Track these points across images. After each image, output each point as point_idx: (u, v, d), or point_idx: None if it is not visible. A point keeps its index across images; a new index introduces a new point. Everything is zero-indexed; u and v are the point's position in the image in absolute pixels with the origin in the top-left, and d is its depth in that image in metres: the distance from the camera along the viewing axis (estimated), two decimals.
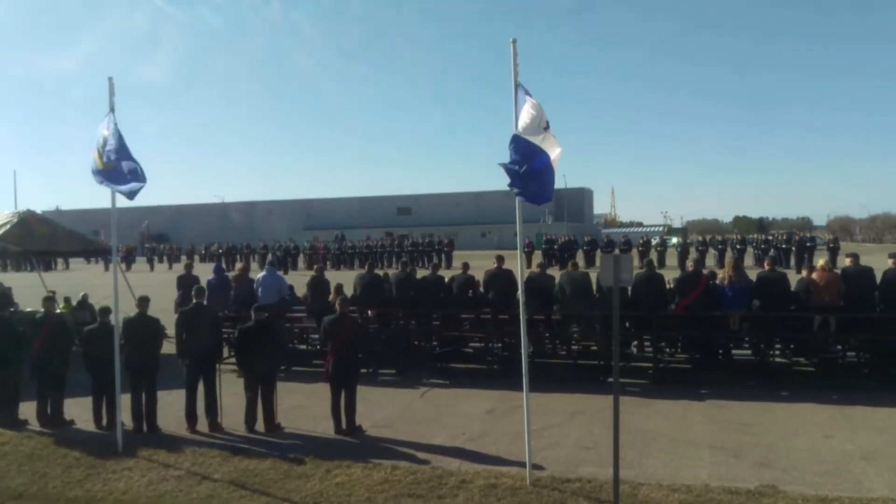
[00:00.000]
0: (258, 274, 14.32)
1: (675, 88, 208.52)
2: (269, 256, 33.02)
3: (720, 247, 39.00)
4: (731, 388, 10.70)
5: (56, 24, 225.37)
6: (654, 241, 42.04)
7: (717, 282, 11.92)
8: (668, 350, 12.60)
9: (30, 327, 10.17)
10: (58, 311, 11.42)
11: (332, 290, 12.91)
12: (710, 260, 34.77)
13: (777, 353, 12.06)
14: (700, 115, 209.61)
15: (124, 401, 9.07)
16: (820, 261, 12.50)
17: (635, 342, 12.78)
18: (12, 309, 14.08)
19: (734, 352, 12.07)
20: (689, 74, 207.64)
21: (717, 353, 11.88)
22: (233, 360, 10.83)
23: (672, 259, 36.86)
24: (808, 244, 34.36)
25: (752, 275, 12.01)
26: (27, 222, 15.32)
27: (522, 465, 7.39)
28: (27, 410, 9.96)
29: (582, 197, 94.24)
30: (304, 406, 10.48)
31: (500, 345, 12.81)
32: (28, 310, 15.03)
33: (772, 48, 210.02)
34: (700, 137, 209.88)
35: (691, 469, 7.52)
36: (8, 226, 14.58)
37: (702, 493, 6.77)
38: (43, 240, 17.23)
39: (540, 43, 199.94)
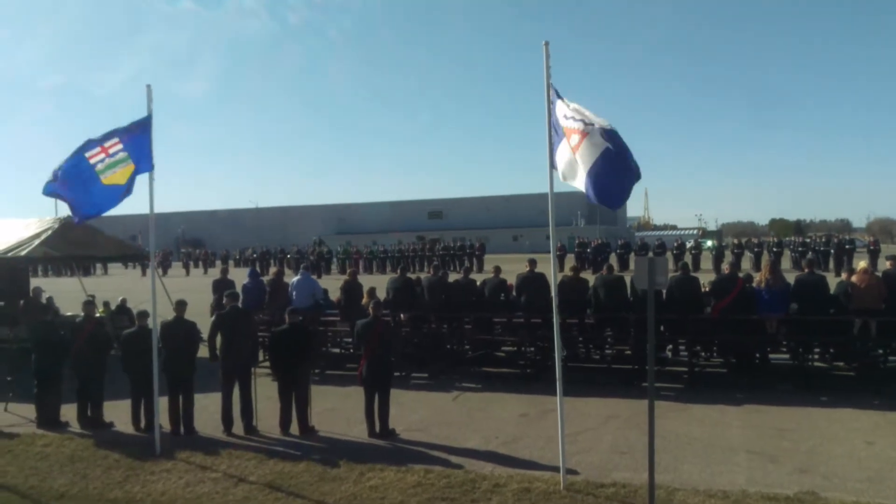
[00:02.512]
0: (293, 278, 14.47)
1: (712, 88, 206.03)
2: (304, 262, 33.31)
3: (756, 250, 38.33)
4: (768, 393, 10.53)
5: (99, 43, 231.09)
6: (688, 244, 41.47)
7: (754, 285, 11.75)
8: (703, 354, 12.44)
9: (70, 331, 10.40)
10: (97, 315, 11.65)
11: (365, 293, 12.98)
12: (746, 263, 34.20)
13: (816, 357, 11.83)
14: (736, 115, 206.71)
15: (162, 404, 9.22)
16: (861, 263, 12.25)
17: (670, 346, 12.64)
18: (53, 313, 14.37)
19: (771, 356, 11.87)
20: (725, 73, 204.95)
21: (754, 358, 11.70)
22: (268, 363, 10.93)
23: (707, 262, 36.38)
24: (847, 246, 33.62)
25: (790, 278, 11.81)
26: (67, 228, 15.63)
27: (556, 469, 7.35)
28: (68, 413, 10.19)
29: None
30: (337, 409, 10.55)
31: (532, 349, 12.75)
32: (68, 314, 15.36)
33: (813, 47, 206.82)
34: (736, 138, 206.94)
35: (728, 475, 7.41)
36: (49, 231, 14.89)
37: (739, 499, 6.67)
38: (82, 245, 17.59)
39: (571, 39, 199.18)
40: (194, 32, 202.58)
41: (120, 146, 8.48)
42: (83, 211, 8.56)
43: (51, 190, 8.41)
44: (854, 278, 11.28)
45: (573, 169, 6.96)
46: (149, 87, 8.81)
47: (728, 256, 34.50)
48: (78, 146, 8.43)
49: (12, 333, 14.76)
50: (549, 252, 7.77)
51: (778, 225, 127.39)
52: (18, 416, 10.57)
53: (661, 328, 11.72)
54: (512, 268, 15.54)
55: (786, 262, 34.07)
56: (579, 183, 6.87)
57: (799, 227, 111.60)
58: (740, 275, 12.28)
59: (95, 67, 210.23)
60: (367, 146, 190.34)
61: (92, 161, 8.37)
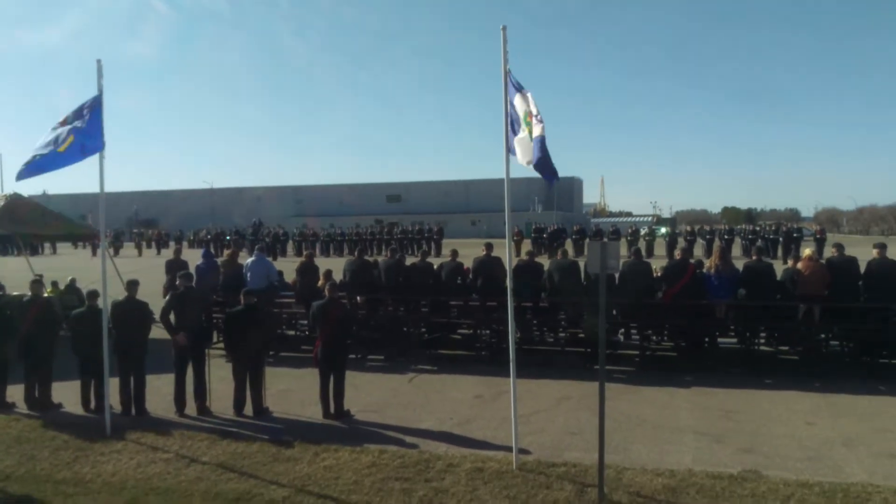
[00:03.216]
0: (247, 259, 14.32)
1: (665, 77, 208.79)
2: (259, 243, 32.95)
3: (708, 237, 39.23)
4: (716, 376, 10.82)
5: None
6: (642, 231, 42.25)
7: (704, 271, 12.02)
8: (654, 338, 12.70)
9: (17, 311, 10.14)
10: (45, 294, 11.37)
11: (321, 276, 12.92)
12: (699, 250, 34.95)
13: (762, 341, 12.19)
14: (690, 105, 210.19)
15: (112, 384, 9.08)
16: (806, 251, 12.60)
17: (622, 330, 12.88)
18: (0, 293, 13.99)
19: (720, 340, 12.18)
20: (678, 63, 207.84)
21: (703, 342, 11.99)
22: (221, 344, 10.83)
23: (661, 249, 37.05)
24: (795, 235, 34.63)
25: (740, 265, 12.12)
26: (14, 205, 15.22)
27: (509, 449, 7.46)
28: (15, 394, 9.96)
29: (571, 186, 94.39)
30: (292, 390, 10.52)
31: (488, 331, 12.87)
32: (15, 293, 14.94)
33: (762, 37, 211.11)
34: (690, 128, 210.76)
35: (675, 454, 7.62)
36: None
37: (685, 478, 6.87)
38: (30, 223, 17.13)
39: (529, 27, 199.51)
40: None
41: (76, 121, 8.32)
42: (28, 169, 8.30)
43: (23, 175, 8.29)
44: (800, 265, 11.62)
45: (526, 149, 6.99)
46: (99, 62, 8.59)
47: (681, 243, 35.15)
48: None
49: None
50: (506, 237, 7.84)
51: (730, 213, 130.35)
52: None
53: (614, 312, 11.93)
54: (469, 252, 15.62)
55: (736, 250, 34.87)
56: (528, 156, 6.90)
57: (750, 216, 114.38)
58: (692, 261, 12.53)
59: (36, 23, 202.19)
60: (326, 127, 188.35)
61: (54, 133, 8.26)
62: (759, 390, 10.15)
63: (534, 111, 6.89)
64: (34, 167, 8.25)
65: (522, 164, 7.12)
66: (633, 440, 8.11)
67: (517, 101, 7.15)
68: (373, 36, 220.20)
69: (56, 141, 8.25)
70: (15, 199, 15.28)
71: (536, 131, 6.75)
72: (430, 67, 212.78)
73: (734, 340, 12.25)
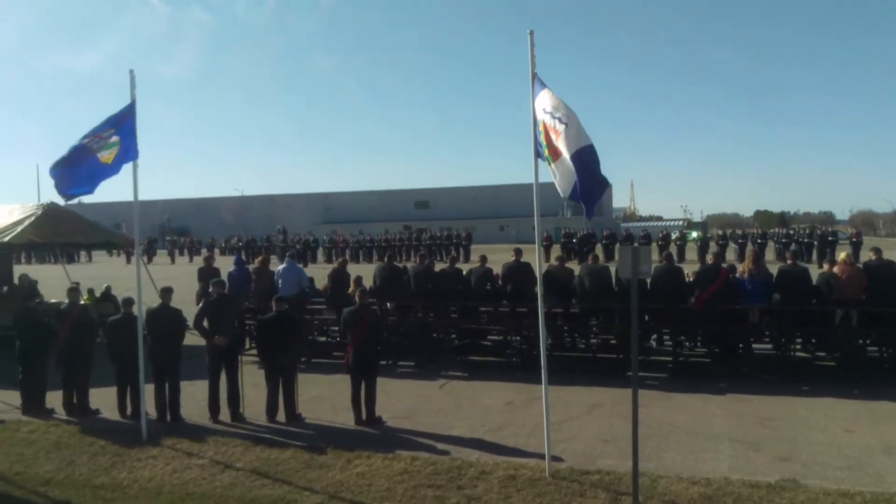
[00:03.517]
0: (278, 266, 14.45)
1: (696, 79, 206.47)
2: (290, 250, 33.31)
3: (740, 241, 38.72)
4: (751, 382, 10.66)
5: (79, 22, 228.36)
6: (673, 235, 41.81)
7: (738, 275, 11.86)
8: (687, 344, 12.56)
9: (55, 318, 10.35)
10: (82, 302, 11.59)
11: (351, 282, 12.99)
12: (731, 254, 34.50)
13: (798, 347, 11.98)
14: (721, 107, 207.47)
15: (148, 391, 9.21)
16: (841, 254, 12.38)
17: (654, 336, 12.75)
18: (38, 300, 14.29)
19: (754, 346, 12.00)
20: (710, 64, 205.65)
21: (737, 347, 11.83)
22: (254, 351, 10.93)
23: (692, 253, 36.63)
24: (829, 238, 34.04)
25: (774, 269, 11.93)
26: (51, 215, 15.51)
27: (541, 456, 7.43)
28: (54, 400, 10.15)
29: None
30: (324, 397, 10.58)
31: (518, 338, 12.82)
32: (53, 301, 15.27)
33: (795, 37, 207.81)
34: (720, 130, 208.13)
35: (711, 462, 7.52)
36: (32, 218, 14.77)
37: (721, 487, 6.77)
38: (66, 232, 17.48)
39: (557, 30, 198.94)
40: (175, 13, 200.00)
41: (112, 131, 8.51)
42: (71, 190, 8.53)
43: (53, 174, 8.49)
44: (836, 269, 11.40)
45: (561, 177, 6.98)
46: (132, 72, 8.78)
47: (713, 247, 34.76)
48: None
49: None
50: (535, 242, 7.81)
51: (762, 217, 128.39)
52: (3, 402, 10.51)
53: (646, 318, 11.82)
54: (498, 257, 15.59)
55: (770, 254, 34.35)
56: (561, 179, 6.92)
57: (783, 219, 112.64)
58: (724, 265, 12.37)
59: (75, 47, 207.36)
60: (353, 135, 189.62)
61: (86, 144, 8.41)
62: (795, 397, 9.98)
63: (553, 111, 6.88)
64: (83, 181, 8.45)
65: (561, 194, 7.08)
66: (668, 448, 8.01)
67: (542, 98, 7.13)
68: (401, 43, 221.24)
69: (91, 150, 8.43)
70: (52, 209, 15.57)
71: (562, 147, 6.74)
72: (455, 72, 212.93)
73: (769, 346, 12.05)
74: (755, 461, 7.53)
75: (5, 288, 15.48)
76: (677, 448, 8.00)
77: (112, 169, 8.54)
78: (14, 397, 10.34)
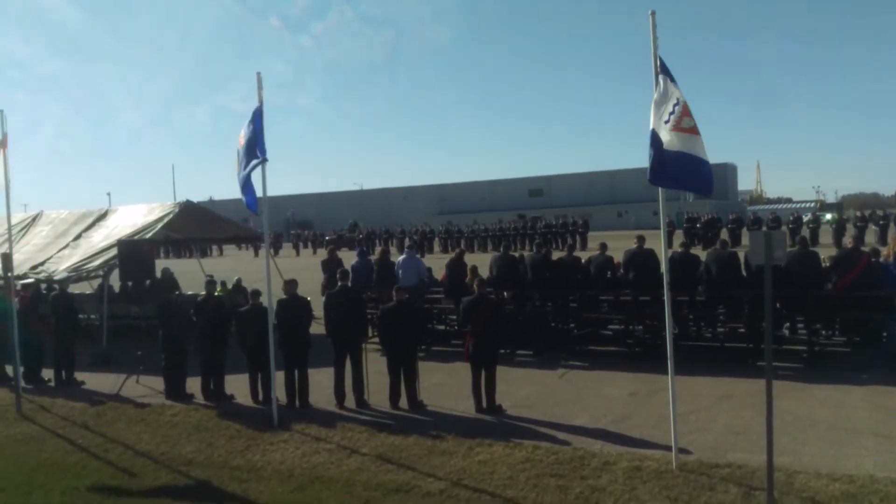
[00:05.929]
0: (398, 257, 14.74)
1: (826, 49, 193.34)
2: (408, 241, 33.93)
3: (882, 222, 35.91)
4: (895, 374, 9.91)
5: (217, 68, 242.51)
6: (805, 218, 39.39)
7: (881, 260, 11.04)
8: (824, 332, 11.83)
9: (194, 309, 11.01)
10: (217, 294, 12.26)
11: (468, 271, 13.06)
12: (871, 237, 32.14)
13: None
14: (852, 76, 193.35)
15: (278, 378, 9.64)
16: None
17: (787, 324, 12.09)
18: (178, 293, 15.23)
19: None
20: (842, 34, 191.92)
21: (881, 336, 11.02)
22: (377, 339, 11.21)
23: (826, 237, 34.41)
24: None
25: None
26: (187, 212, 16.49)
27: (668, 448, 7.20)
28: (193, 385, 10.81)
29: (725, 173, 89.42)
30: (444, 384, 10.72)
31: (640, 327, 12.49)
32: (190, 293, 16.26)
33: None
34: (853, 103, 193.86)
35: (854, 458, 7.05)
36: (171, 215, 15.74)
37: (866, 485, 6.33)
38: (201, 228, 18.57)
39: (679, 6, 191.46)
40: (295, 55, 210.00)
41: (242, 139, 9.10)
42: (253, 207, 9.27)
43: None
44: None
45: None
46: (258, 74, 9.12)
47: (850, 230, 32.54)
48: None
49: (141, 311, 15.80)
50: (654, 228, 7.56)
51: None
52: (148, 387, 11.33)
53: (778, 305, 11.22)
54: (617, 245, 15.22)
55: None
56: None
57: None
58: (865, 249, 11.55)
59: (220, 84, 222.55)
60: (464, 125, 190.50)
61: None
62: None
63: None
64: (248, 194, 9.17)
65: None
66: (804, 442, 7.57)
67: (670, 88, 6.86)
68: (515, 27, 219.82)
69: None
70: (187, 206, 16.54)
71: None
72: (570, 54, 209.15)
73: None
74: None
75: (149, 282, 16.58)
76: (815, 442, 7.55)
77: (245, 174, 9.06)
78: (158, 383, 11.09)
